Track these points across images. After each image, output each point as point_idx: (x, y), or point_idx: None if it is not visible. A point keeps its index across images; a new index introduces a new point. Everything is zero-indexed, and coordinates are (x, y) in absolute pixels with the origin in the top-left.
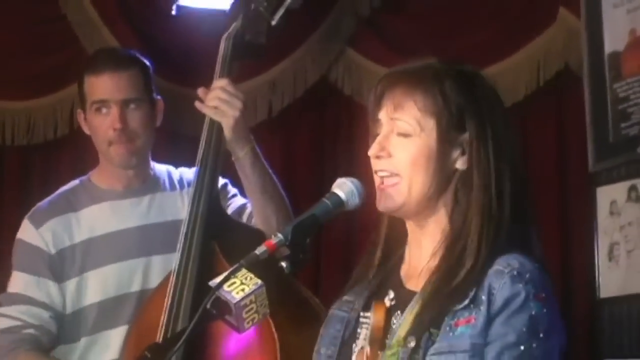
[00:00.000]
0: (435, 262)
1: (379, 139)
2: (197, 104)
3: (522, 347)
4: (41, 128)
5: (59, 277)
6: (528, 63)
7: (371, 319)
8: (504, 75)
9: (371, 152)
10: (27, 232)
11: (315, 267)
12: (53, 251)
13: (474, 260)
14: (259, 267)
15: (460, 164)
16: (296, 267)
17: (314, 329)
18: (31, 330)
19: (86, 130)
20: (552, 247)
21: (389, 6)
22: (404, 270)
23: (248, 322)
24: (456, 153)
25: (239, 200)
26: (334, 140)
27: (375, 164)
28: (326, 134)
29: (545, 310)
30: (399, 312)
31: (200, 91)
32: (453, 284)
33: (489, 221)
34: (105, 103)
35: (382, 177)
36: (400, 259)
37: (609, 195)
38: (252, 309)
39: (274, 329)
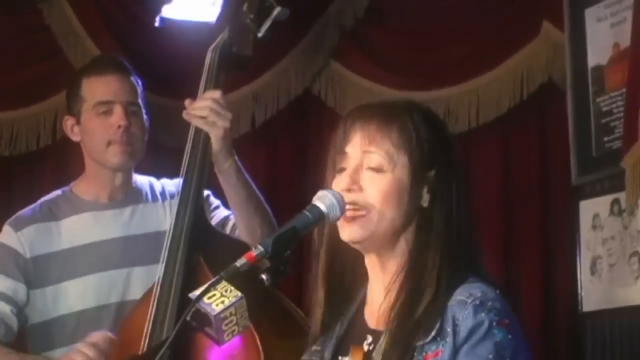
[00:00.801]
0: (392, 297)
1: (349, 172)
2: (185, 114)
3: None
4: (24, 138)
5: (31, 282)
6: (511, 76)
7: None
8: (487, 88)
9: (342, 185)
10: (5, 235)
11: (297, 281)
12: (28, 255)
13: (434, 292)
14: (240, 279)
15: (424, 201)
16: (276, 279)
17: (298, 341)
18: None
19: (74, 137)
20: (534, 260)
21: (372, 19)
22: (367, 311)
23: (228, 335)
24: (423, 190)
25: (222, 212)
26: (316, 152)
27: (344, 196)
28: (309, 146)
29: (510, 336)
30: (374, 355)
31: (187, 102)
32: (415, 317)
33: (448, 255)
34: (110, 104)
35: (349, 209)
36: (363, 301)
37: (592, 209)
38: (232, 321)
39: (258, 341)
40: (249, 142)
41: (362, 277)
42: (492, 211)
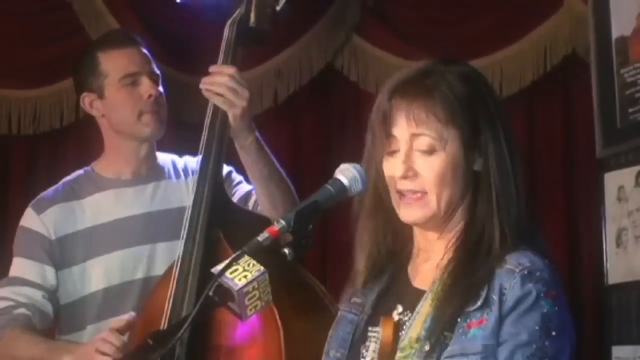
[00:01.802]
0: (445, 260)
1: (402, 158)
2: (204, 89)
3: (534, 346)
4: (47, 117)
5: (59, 263)
6: (535, 49)
7: (380, 334)
8: (510, 62)
9: (397, 172)
10: (28, 218)
11: (321, 258)
12: (54, 237)
13: (492, 259)
14: (262, 254)
15: (478, 166)
16: (298, 253)
17: (320, 317)
18: (22, 310)
19: (95, 112)
20: (559, 233)
21: None
22: (411, 269)
23: (250, 309)
24: (475, 156)
25: (244, 187)
26: (340, 127)
27: (400, 184)
28: (332, 121)
29: (556, 308)
30: (408, 312)
31: (206, 78)
32: (467, 283)
33: (508, 219)
34: (136, 75)
35: (408, 196)
36: (407, 258)
37: (617, 181)
38: (254, 295)
39: (277, 317)
40: (272, 118)
41: (407, 238)
42: None
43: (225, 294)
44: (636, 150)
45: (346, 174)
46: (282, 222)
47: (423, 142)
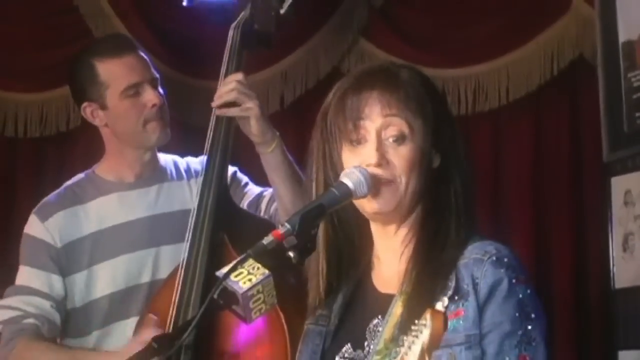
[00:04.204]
0: (405, 260)
1: (374, 146)
2: (217, 108)
3: (519, 332)
4: (54, 120)
5: (65, 270)
6: (541, 52)
7: (428, 327)
8: (517, 65)
9: (371, 160)
10: (33, 226)
11: None
12: (59, 244)
13: (451, 249)
14: (267, 257)
15: (436, 163)
16: (303, 256)
17: None
18: (31, 320)
19: (97, 122)
20: (566, 237)
21: None
22: (375, 276)
23: (255, 313)
24: (433, 153)
25: (254, 189)
26: None
27: (371, 170)
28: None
29: (529, 292)
30: (379, 317)
31: (215, 96)
32: (431, 274)
33: (465, 213)
34: (139, 85)
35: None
36: (369, 265)
37: (624, 185)
38: (259, 299)
39: (283, 320)
40: (278, 122)
41: (367, 242)
42: (522, 188)
43: (230, 297)
44: None
45: (351, 177)
46: (287, 225)
47: (394, 128)
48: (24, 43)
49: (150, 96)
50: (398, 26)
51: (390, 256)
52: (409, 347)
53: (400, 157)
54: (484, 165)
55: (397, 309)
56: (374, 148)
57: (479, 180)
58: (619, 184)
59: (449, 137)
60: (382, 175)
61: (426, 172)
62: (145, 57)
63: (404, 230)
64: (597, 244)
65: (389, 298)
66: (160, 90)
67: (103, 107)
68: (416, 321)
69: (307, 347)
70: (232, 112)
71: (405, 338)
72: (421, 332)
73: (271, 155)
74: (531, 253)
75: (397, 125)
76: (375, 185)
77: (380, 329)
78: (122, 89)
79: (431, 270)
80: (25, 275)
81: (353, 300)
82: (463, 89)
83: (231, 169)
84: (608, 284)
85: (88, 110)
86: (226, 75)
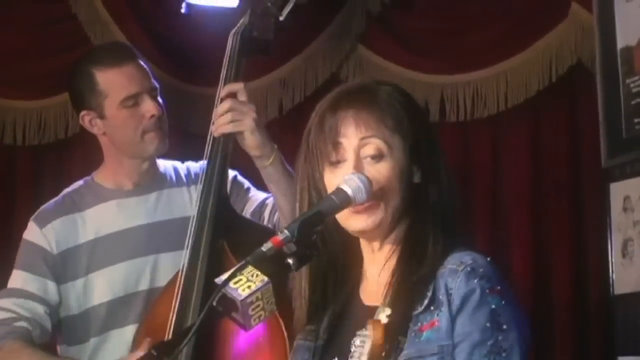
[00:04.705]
0: (388, 273)
1: (352, 164)
2: (214, 130)
3: (488, 343)
4: (52, 127)
5: (61, 277)
6: (540, 59)
7: (369, 337)
8: (516, 72)
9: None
10: (31, 232)
11: None
12: (56, 251)
13: (430, 260)
14: (266, 264)
15: (417, 177)
16: (302, 263)
17: None
18: (23, 323)
19: (95, 131)
20: (565, 243)
21: (399, 3)
22: (363, 290)
23: (255, 320)
24: (414, 168)
25: (258, 195)
26: None
27: None
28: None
29: (503, 302)
30: (364, 329)
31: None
32: (410, 286)
33: (445, 228)
34: (138, 96)
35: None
36: (358, 280)
37: (623, 191)
38: (258, 306)
39: (283, 327)
40: (277, 129)
41: (355, 258)
42: (522, 194)
43: (229, 304)
44: None
45: (350, 184)
46: (286, 232)
47: (372, 147)
48: (23, 50)
49: (149, 107)
50: (396, 33)
51: (375, 270)
52: (358, 359)
53: (379, 173)
54: (482, 171)
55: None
56: (352, 166)
57: (478, 187)
58: (618, 190)
59: (427, 152)
60: None
61: (407, 188)
62: (145, 66)
63: (387, 245)
64: (596, 250)
65: (373, 310)
66: (160, 100)
67: (101, 116)
68: (358, 332)
69: None
70: (225, 129)
71: (353, 349)
72: (365, 343)
73: (270, 169)
74: (530, 259)
75: (374, 143)
76: (353, 208)
77: (363, 342)
78: (121, 99)
79: (410, 283)
80: (20, 279)
81: (342, 315)
82: (462, 95)
83: (231, 173)
84: (607, 289)
85: (86, 118)
86: (225, 82)
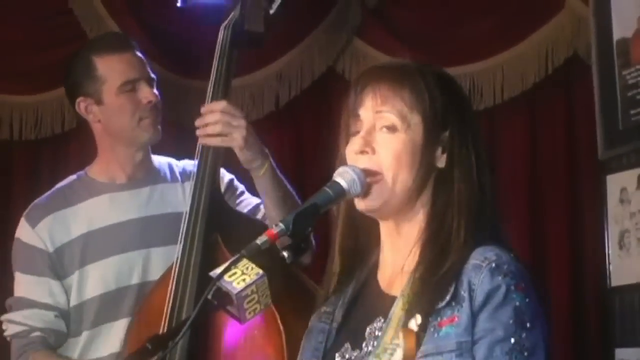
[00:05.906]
0: (413, 263)
1: (362, 134)
2: (200, 137)
3: (512, 340)
4: (49, 122)
5: (61, 274)
6: (536, 51)
7: (402, 346)
8: (512, 64)
9: (355, 147)
10: (24, 231)
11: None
12: (51, 249)
13: (459, 256)
14: (261, 257)
15: (440, 162)
16: (297, 256)
17: None
18: (38, 333)
19: (91, 118)
20: (561, 235)
21: None
22: (381, 276)
23: (250, 313)
24: (438, 151)
25: (251, 200)
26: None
27: (356, 161)
28: (333, 124)
29: (527, 300)
30: (381, 318)
31: (198, 122)
32: (434, 280)
33: (471, 216)
34: (136, 82)
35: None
36: (375, 265)
37: (619, 183)
38: (253, 299)
39: (279, 320)
40: (274, 122)
41: (375, 241)
42: (518, 186)
43: (224, 297)
44: (638, 152)
45: (345, 176)
46: (281, 225)
47: (386, 119)
48: (19, 45)
49: (146, 93)
50: (392, 25)
51: (396, 257)
52: None
53: (388, 146)
54: None
55: (397, 312)
56: (361, 136)
57: None
58: (615, 182)
59: (458, 139)
60: (367, 167)
61: (424, 170)
62: (143, 57)
63: (410, 231)
64: (592, 242)
65: (392, 299)
66: (156, 90)
67: (99, 102)
68: (390, 340)
69: (309, 343)
70: (215, 142)
71: (382, 355)
72: (395, 351)
73: (262, 179)
74: (527, 251)
75: (388, 117)
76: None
77: (378, 332)
78: (119, 84)
79: (432, 276)
80: (24, 286)
81: (358, 299)
82: None
83: (228, 177)
84: (604, 281)
85: (82, 105)
86: (216, 75)
